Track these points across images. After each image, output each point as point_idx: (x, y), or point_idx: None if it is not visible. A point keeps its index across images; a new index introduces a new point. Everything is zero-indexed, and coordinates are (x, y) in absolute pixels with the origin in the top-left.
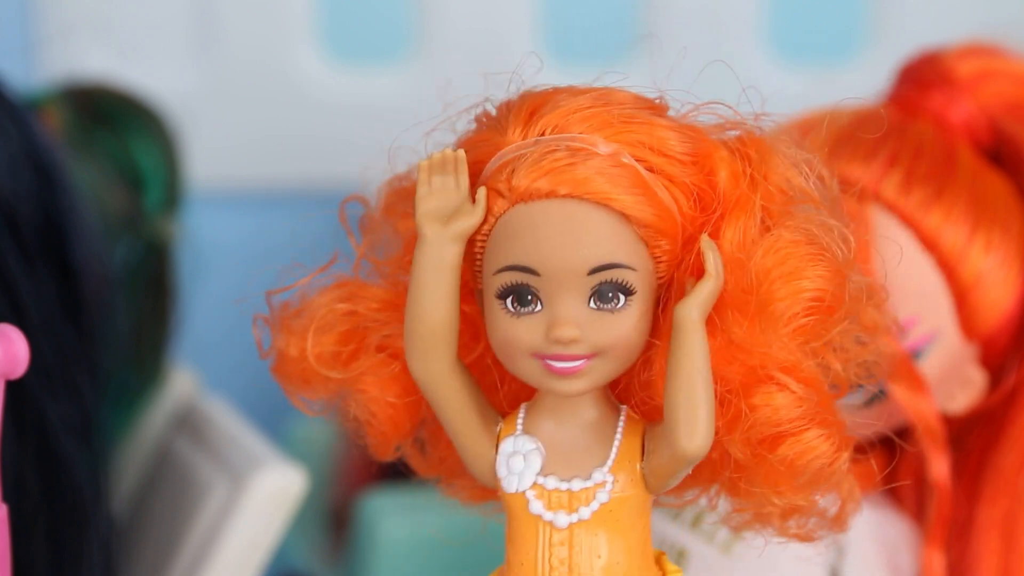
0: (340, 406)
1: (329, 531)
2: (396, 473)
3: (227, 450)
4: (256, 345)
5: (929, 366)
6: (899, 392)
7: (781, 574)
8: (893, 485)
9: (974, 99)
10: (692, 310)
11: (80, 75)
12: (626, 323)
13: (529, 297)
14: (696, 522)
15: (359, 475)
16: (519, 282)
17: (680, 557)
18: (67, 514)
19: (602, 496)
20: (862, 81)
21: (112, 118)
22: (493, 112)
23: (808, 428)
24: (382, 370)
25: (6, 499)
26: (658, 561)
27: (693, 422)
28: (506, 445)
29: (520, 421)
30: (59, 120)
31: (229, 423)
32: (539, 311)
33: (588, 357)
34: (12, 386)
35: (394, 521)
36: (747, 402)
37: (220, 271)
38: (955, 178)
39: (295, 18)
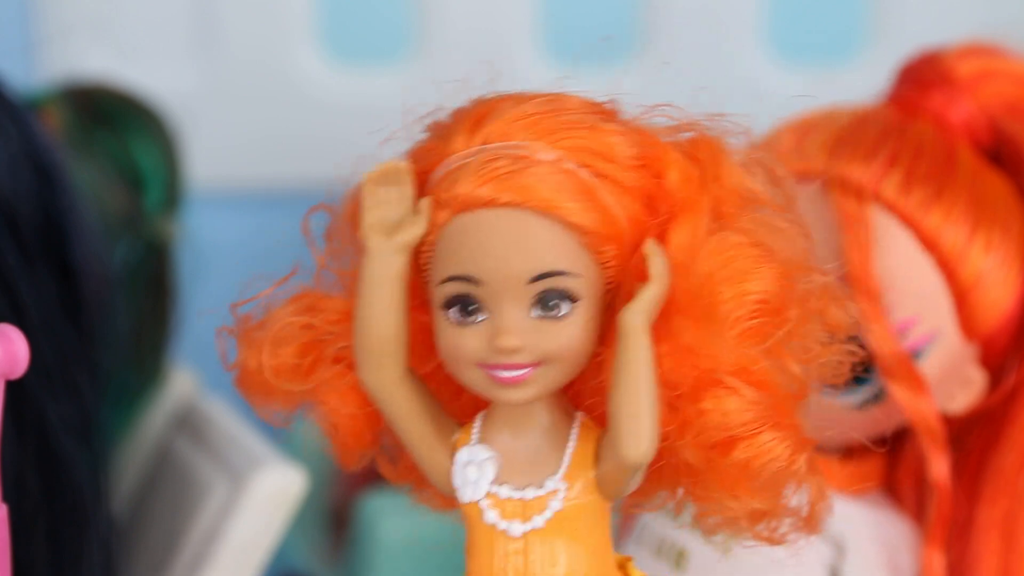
0: (309, 415)
1: (329, 531)
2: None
3: (227, 450)
4: (221, 360)
5: (929, 366)
6: (899, 392)
7: (781, 574)
8: (893, 485)
9: (974, 99)
10: (636, 315)
11: (80, 75)
12: (570, 330)
13: (472, 307)
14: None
15: (359, 476)
16: (462, 292)
17: (680, 557)
18: (67, 514)
19: (555, 504)
20: (862, 81)
21: (112, 118)
22: (444, 119)
23: (761, 431)
24: (340, 381)
25: (6, 499)
26: (622, 567)
27: (636, 429)
28: (461, 455)
29: (476, 431)
30: (59, 120)
31: (229, 423)
32: (482, 320)
33: (533, 366)
34: (12, 386)
35: (394, 521)
36: (697, 407)
37: (220, 271)
38: (955, 178)
39: (295, 18)
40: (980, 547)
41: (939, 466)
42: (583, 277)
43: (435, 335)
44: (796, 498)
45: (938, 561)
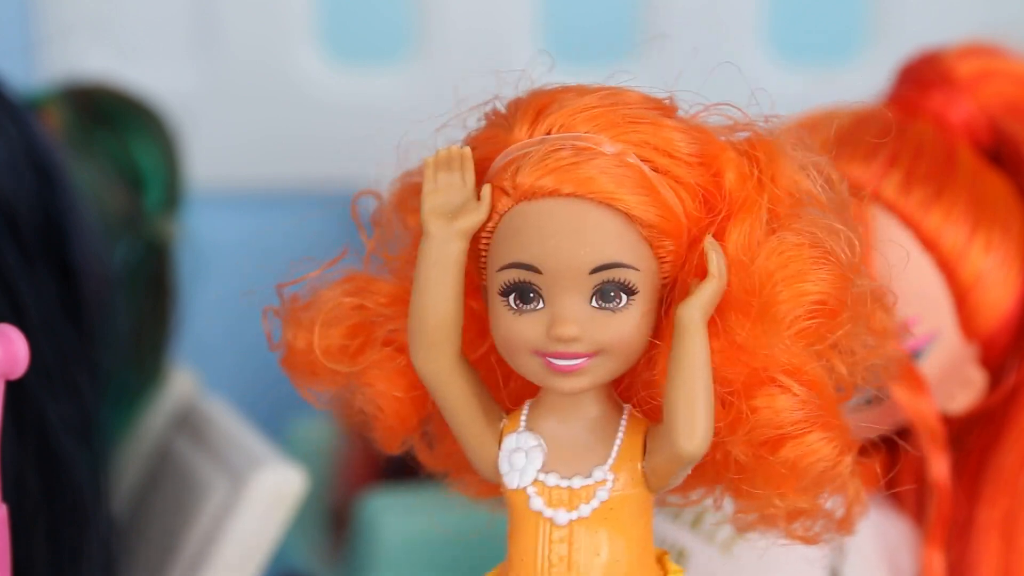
0: (347, 400)
1: (329, 531)
2: (396, 473)
3: (227, 450)
4: (267, 339)
5: (929, 366)
6: (899, 392)
7: (782, 574)
8: (893, 485)
9: (974, 99)
10: (694, 311)
11: (80, 75)
12: (627, 323)
13: (531, 295)
14: (696, 522)
15: (359, 475)
16: (521, 280)
17: (680, 557)
18: (67, 514)
19: (602, 494)
20: (862, 81)
21: (112, 118)
22: (502, 110)
23: (811, 431)
24: (388, 364)
25: (6, 499)
26: (660, 560)
27: (692, 422)
28: (509, 441)
29: (524, 418)
30: (59, 120)
31: (229, 423)
32: (541, 309)
33: (589, 356)
34: (12, 386)
35: (394, 521)
36: (749, 404)
37: (220, 271)
38: (955, 178)
39: (295, 18)
40: (980, 547)
41: (939, 466)
42: (642, 271)
43: (491, 322)
44: (832, 500)
45: (938, 561)
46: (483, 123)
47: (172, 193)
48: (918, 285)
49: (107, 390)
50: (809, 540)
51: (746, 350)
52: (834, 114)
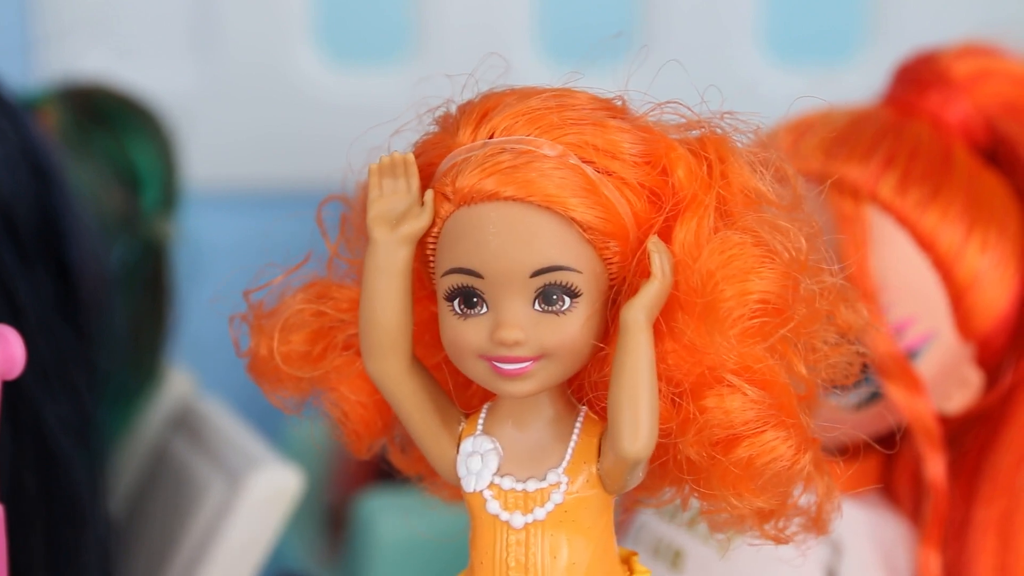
0: (319, 404)
1: (326, 531)
2: (393, 473)
3: (224, 450)
4: (234, 346)
5: (926, 366)
6: (895, 392)
7: (777, 574)
8: (890, 485)
9: (971, 99)
10: (637, 312)
11: (77, 75)
12: (572, 325)
13: (475, 299)
14: (693, 522)
15: (356, 475)
16: (464, 284)
17: (677, 557)
18: (64, 514)
19: (556, 497)
20: (859, 81)
21: (109, 118)
22: (452, 113)
23: (763, 430)
24: (349, 369)
25: (3, 499)
26: (627, 561)
27: (635, 424)
28: (466, 445)
29: (481, 421)
30: (56, 120)
31: (226, 423)
32: (484, 313)
33: (534, 359)
34: (9, 386)
35: (391, 521)
36: (698, 404)
37: (217, 271)
38: (951, 178)
39: (293, 18)
40: (977, 547)
41: (935, 466)
42: (585, 273)
43: (440, 326)
44: (804, 498)
45: (934, 561)
46: (434, 127)
47: (169, 193)
48: (915, 285)
49: (104, 390)
50: (782, 540)
51: (694, 350)
52: (831, 114)
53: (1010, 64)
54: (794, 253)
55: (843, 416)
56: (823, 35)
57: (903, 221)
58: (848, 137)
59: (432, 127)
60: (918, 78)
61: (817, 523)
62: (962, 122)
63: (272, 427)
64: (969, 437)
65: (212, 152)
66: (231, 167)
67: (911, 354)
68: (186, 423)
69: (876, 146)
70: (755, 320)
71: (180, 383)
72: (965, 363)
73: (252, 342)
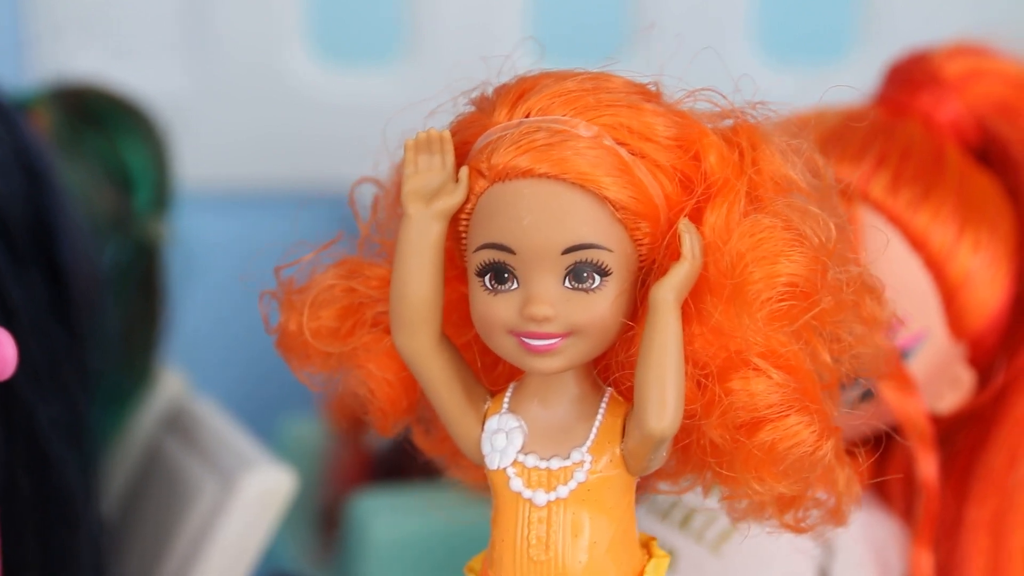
0: (342, 383)
1: (319, 531)
2: (386, 473)
3: (217, 450)
4: (263, 322)
5: (917, 366)
6: (888, 391)
7: (770, 573)
8: (882, 485)
9: (962, 99)
10: (667, 292)
11: (70, 75)
12: (601, 303)
13: (506, 275)
14: (685, 522)
15: (349, 475)
16: (496, 260)
17: (670, 556)
18: (58, 515)
19: (579, 476)
20: (851, 81)
21: (101, 119)
22: (489, 95)
23: (787, 415)
24: (377, 346)
25: None
26: (646, 545)
27: (662, 402)
28: (491, 423)
29: (507, 400)
30: (48, 121)
31: (219, 424)
32: (515, 289)
33: (562, 336)
34: (2, 387)
35: (384, 521)
36: (724, 386)
37: (210, 272)
38: (943, 178)
39: (286, 18)
40: (969, 546)
41: (927, 465)
42: (615, 252)
43: (470, 302)
44: (823, 490)
45: (926, 560)
46: (470, 108)
47: (162, 194)
48: (906, 285)
49: (97, 391)
50: (800, 530)
51: (721, 332)
52: (823, 114)
53: (1001, 64)
54: (823, 239)
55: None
56: (815, 35)
57: (894, 221)
58: (840, 137)
59: (468, 107)
60: (910, 78)
61: (836, 514)
62: (953, 122)
63: (265, 427)
64: (961, 436)
65: (205, 152)
66: (224, 167)
67: (903, 353)
68: (179, 423)
69: (868, 146)
70: (783, 303)
71: (173, 384)
72: (957, 362)
73: (282, 318)
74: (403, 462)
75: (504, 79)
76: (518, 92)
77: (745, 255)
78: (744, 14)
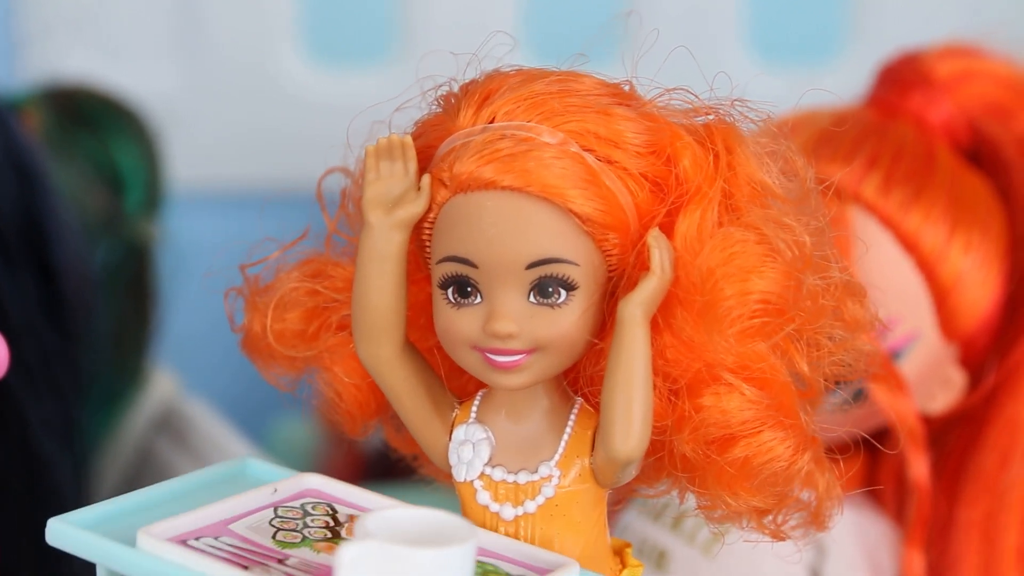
0: (312, 384)
1: None
2: (378, 474)
3: (208, 451)
4: (228, 320)
5: (909, 367)
6: (879, 392)
7: (762, 574)
8: (873, 486)
9: (953, 100)
10: (634, 308)
11: (61, 76)
12: (567, 318)
13: (468, 289)
14: (677, 523)
15: (341, 475)
16: (458, 273)
17: (661, 558)
18: (49, 515)
19: (547, 491)
20: (843, 82)
21: (93, 120)
22: (454, 93)
23: (761, 431)
24: (343, 349)
25: None
26: (620, 553)
27: (627, 425)
28: (458, 433)
29: (474, 409)
30: (39, 121)
31: (210, 424)
32: (478, 303)
33: (527, 352)
34: None
35: None
36: (695, 402)
37: (201, 272)
38: (935, 179)
39: (277, 19)
40: (961, 547)
41: (919, 466)
42: (583, 265)
43: (433, 314)
44: (804, 494)
45: (918, 561)
46: (436, 107)
47: (153, 194)
48: (898, 286)
49: (88, 391)
50: (780, 536)
51: (692, 346)
52: (814, 115)
53: (993, 65)
54: (797, 251)
55: (827, 416)
56: (806, 36)
57: (886, 222)
58: (831, 138)
59: (434, 106)
60: (901, 79)
61: (817, 519)
62: (945, 123)
63: (256, 428)
64: (952, 437)
65: (196, 153)
66: (215, 168)
67: (895, 354)
68: (170, 424)
69: (859, 147)
70: (755, 320)
71: (164, 384)
72: (948, 363)
73: (246, 318)
74: (395, 463)
75: (472, 75)
76: (483, 94)
77: (715, 271)
78: (736, 15)
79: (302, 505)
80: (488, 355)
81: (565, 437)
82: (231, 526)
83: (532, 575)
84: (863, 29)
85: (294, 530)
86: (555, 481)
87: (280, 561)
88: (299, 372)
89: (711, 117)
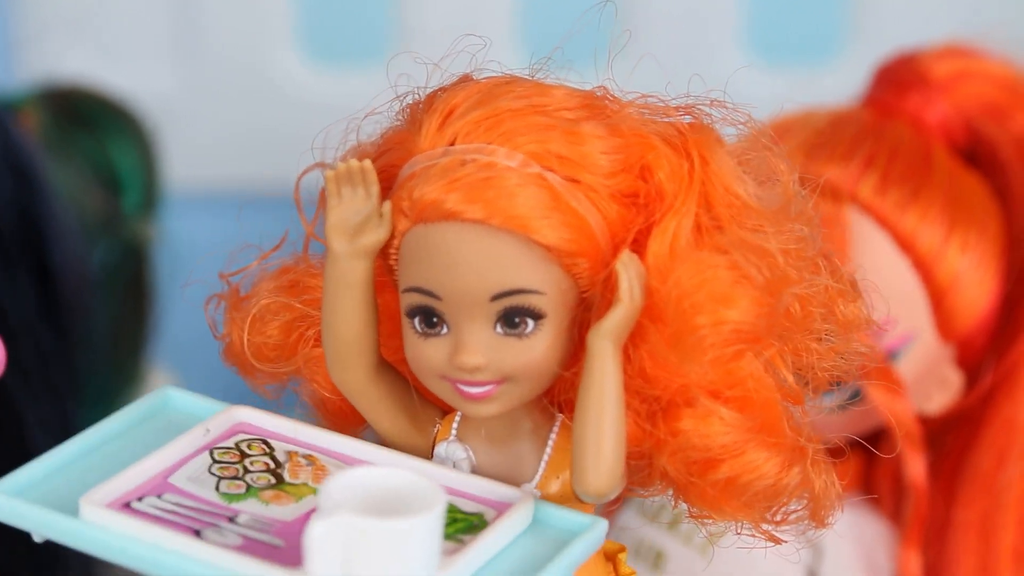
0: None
1: None
2: None
3: None
4: (210, 329)
5: (906, 367)
6: (876, 393)
7: (759, 575)
8: (870, 486)
9: (950, 100)
10: (603, 339)
11: (58, 76)
12: (535, 348)
13: (435, 319)
14: (674, 524)
15: None
16: (423, 304)
17: (658, 558)
18: None
19: None
20: (840, 82)
21: (90, 120)
22: (419, 105)
23: (745, 451)
24: (322, 363)
25: None
26: (613, 558)
27: (597, 460)
28: (439, 450)
29: (455, 425)
30: (37, 122)
31: None
32: (445, 334)
33: (496, 383)
34: None
35: None
36: (671, 426)
37: (198, 273)
38: (931, 179)
39: (274, 19)
40: (957, 547)
41: (916, 467)
42: (550, 294)
43: (403, 339)
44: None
45: (915, 561)
46: (402, 117)
47: (150, 195)
48: (895, 286)
49: (86, 392)
50: (776, 540)
51: (668, 367)
52: (811, 115)
53: (990, 65)
54: (769, 273)
55: (824, 417)
56: (804, 36)
57: (883, 222)
58: (828, 138)
59: (400, 117)
60: (898, 79)
61: (816, 517)
62: (942, 123)
63: None
64: (950, 438)
65: (193, 153)
66: (212, 168)
67: (891, 355)
68: None
69: (856, 147)
70: (729, 348)
71: (161, 384)
72: (945, 364)
73: (225, 330)
74: None
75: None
76: (446, 111)
77: (684, 300)
78: (733, 17)
79: (236, 444)
80: (458, 385)
81: (545, 457)
82: (171, 479)
83: (490, 511)
84: (862, 30)
85: (236, 478)
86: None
87: (231, 520)
88: (283, 382)
89: (688, 119)
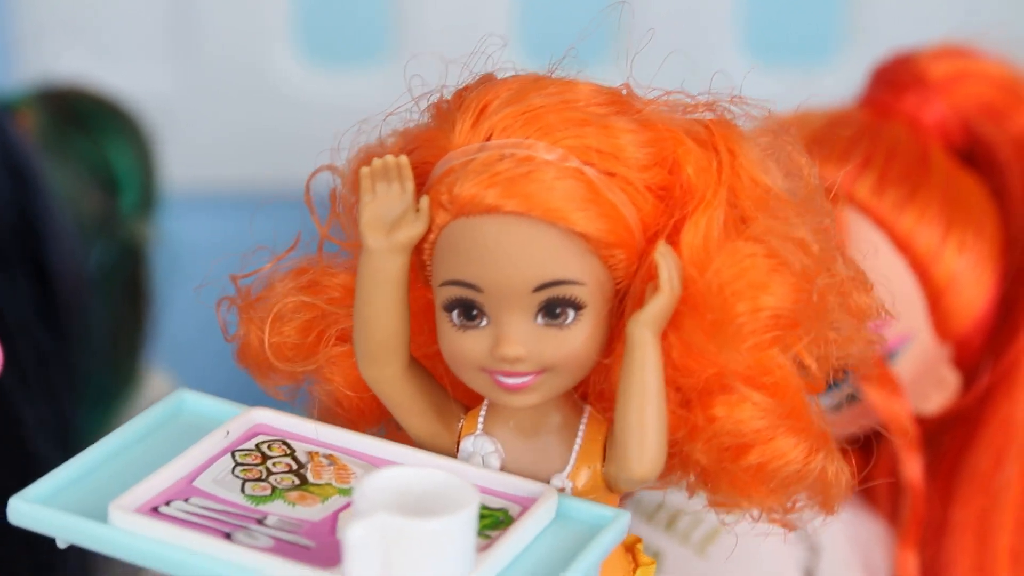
0: (310, 389)
1: None
2: None
3: None
4: (222, 331)
5: (903, 367)
6: (873, 393)
7: (756, 574)
8: (867, 485)
9: (947, 100)
10: (643, 328)
11: (55, 76)
12: (576, 338)
13: (474, 312)
14: (671, 523)
15: None
16: (463, 297)
17: (655, 558)
18: None
19: None
20: (838, 83)
21: (87, 120)
22: (447, 103)
23: (775, 437)
24: (344, 361)
25: None
26: (631, 549)
27: (642, 446)
28: (466, 444)
29: (481, 419)
30: (34, 122)
31: None
32: (485, 326)
33: (536, 373)
34: None
35: None
36: (707, 413)
37: (196, 273)
38: (929, 179)
39: (272, 19)
40: (954, 547)
41: (913, 466)
42: (588, 284)
43: (438, 333)
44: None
45: (912, 561)
46: (429, 115)
47: (147, 195)
48: (892, 286)
49: (83, 392)
50: (789, 526)
51: (703, 355)
52: (808, 116)
53: (987, 65)
54: (806, 259)
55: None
56: (801, 37)
57: (880, 222)
58: (825, 139)
59: (425, 116)
60: (895, 79)
61: (825, 504)
62: (939, 123)
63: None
64: (947, 438)
65: (190, 153)
66: (210, 168)
67: (888, 355)
68: None
69: (853, 148)
70: (768, 335)
71: (159, 385)
72: (942, 364)
73: (242, 330)
74: None
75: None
76: (479, 107)
77: (725, 288)
78: (731, 17)
79: (257, 446)
80: (497, 377)
81: (576, 448)
82: (196, 482)
83: (515, 506)
84: (859, 30)
85: (260, 480)
86: (568, 492)
87: (259, 522)
88: (298, 382)
89: (711, 115)
